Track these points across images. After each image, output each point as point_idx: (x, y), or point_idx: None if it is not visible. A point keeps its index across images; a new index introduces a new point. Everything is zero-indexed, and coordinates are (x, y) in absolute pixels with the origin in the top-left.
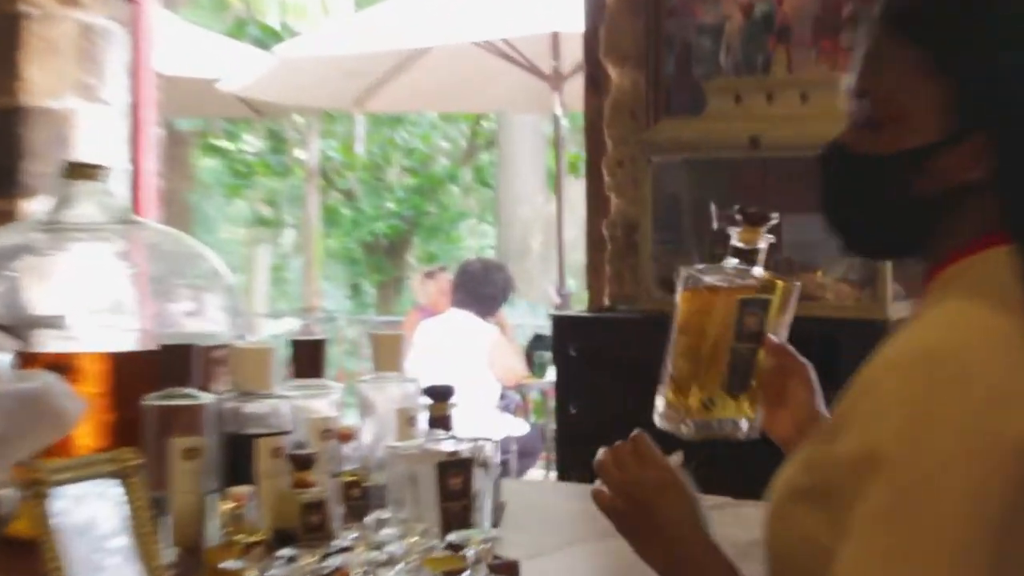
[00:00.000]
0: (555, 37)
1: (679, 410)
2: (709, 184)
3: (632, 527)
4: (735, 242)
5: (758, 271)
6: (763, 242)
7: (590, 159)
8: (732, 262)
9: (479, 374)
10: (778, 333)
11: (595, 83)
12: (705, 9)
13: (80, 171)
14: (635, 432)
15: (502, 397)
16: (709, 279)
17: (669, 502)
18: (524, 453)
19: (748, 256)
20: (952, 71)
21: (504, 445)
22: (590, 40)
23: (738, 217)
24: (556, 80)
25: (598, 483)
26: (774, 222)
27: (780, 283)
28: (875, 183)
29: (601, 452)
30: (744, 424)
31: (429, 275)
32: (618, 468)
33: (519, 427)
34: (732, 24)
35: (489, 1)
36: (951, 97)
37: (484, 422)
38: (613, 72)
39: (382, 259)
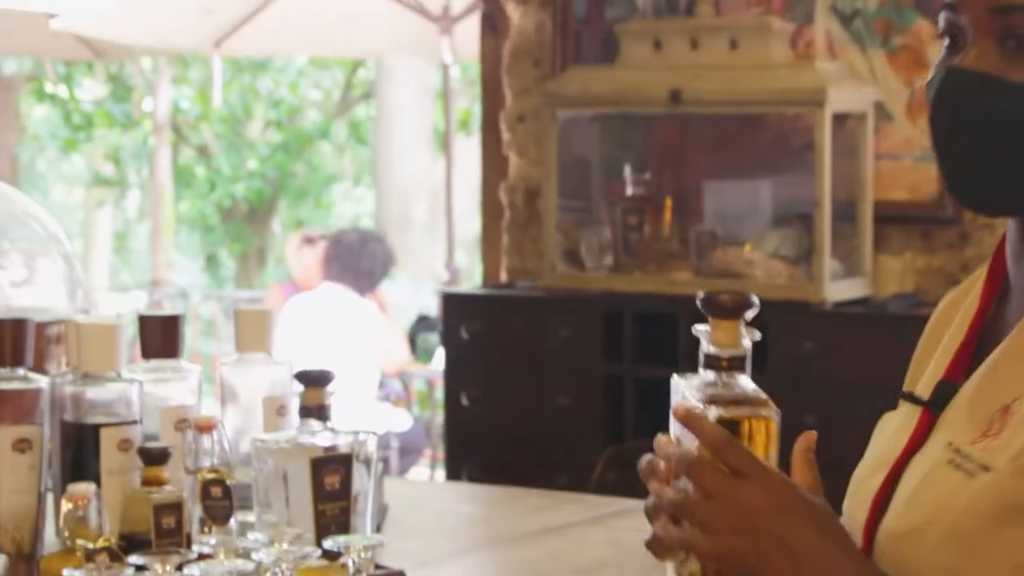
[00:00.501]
0: None
1: None
2: (623, 144)
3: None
4: (709, 348)
5: (747, 383)
6: (748, 341)
7: (486, 113)
8: (708, 376)
9: (355, 359)
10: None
11: (492, 25)
12: None
13: None
14: (712, 427)
15: (381, 386)
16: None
17: (796, 526)
18: (407, 450)
19: (731, 364)
20: None
21: (384, 440)
22: None
23: (706, 309)
24: (445, 22)
25: (659, 525)
26: (755, 310)
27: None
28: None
29: (651, 471)
30: None
31: (309, 240)
32: (704, 496)
33: (401, 420)
34: None
35: None
36: None
37: (361, 414)
38: (514, 12)
39: (242, 226)
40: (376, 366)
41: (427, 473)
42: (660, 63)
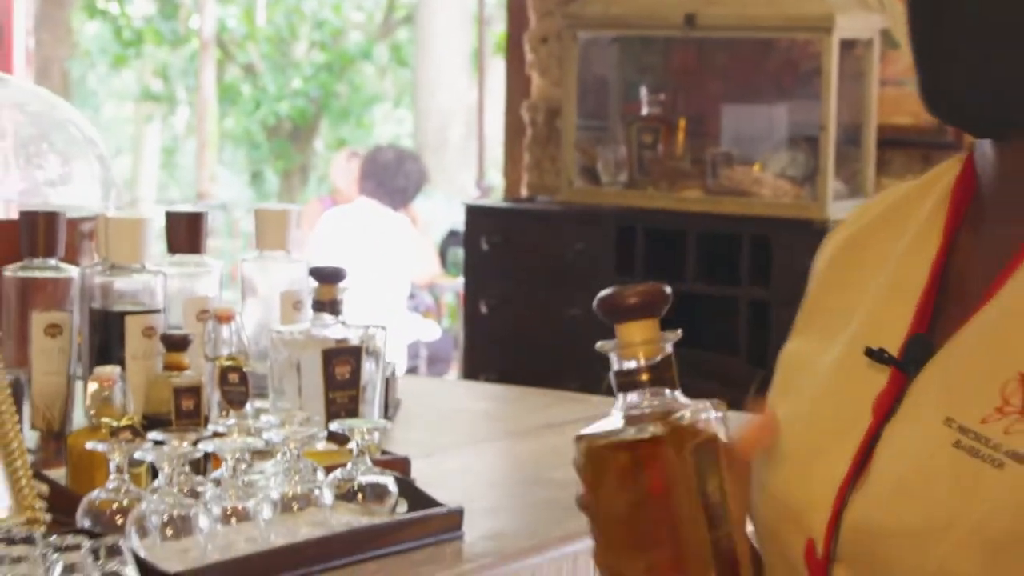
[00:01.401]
0: None
1: None
2: (640, 66)
3: None
4: (621, 364)
5: (680, 396)
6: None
7: (511, 36)
8: (632, 398)
9: (387, 270)
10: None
11: None
12: None
13: None
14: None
15: (412, 297)
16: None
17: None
18: (435, 359)
19: (653, 377)
20: None
21: (413, 350)
22: None
23: (609, 314)
24: None
25: None
26: (668, 304)
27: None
28: None
29: None
30: None
31: (354, 155)
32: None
33: (430, 331)
34: None
35: None
36: None
37: (392, 323)
38: None
39: (286, 144)
40: (407, 278)
41: None
42: None
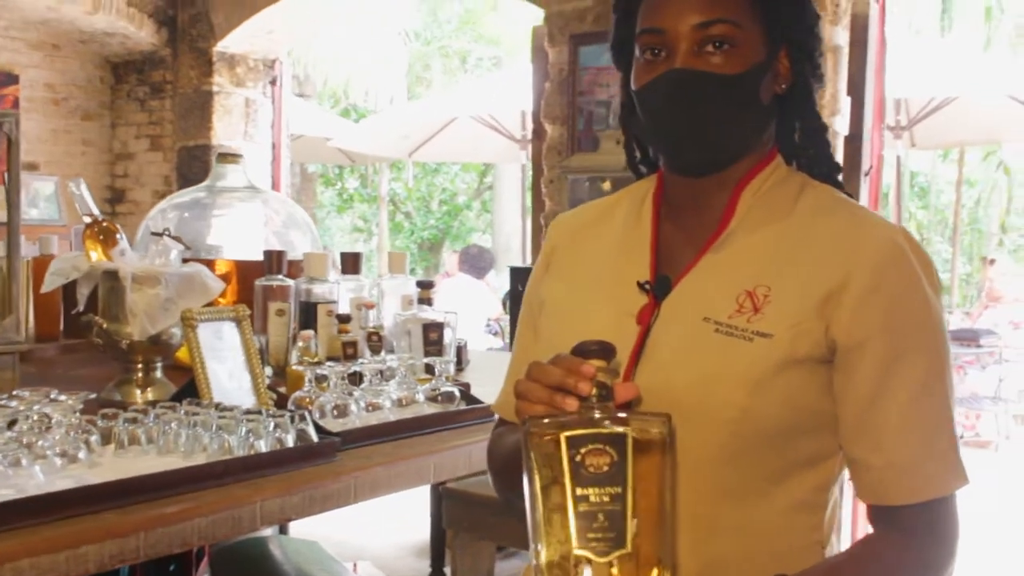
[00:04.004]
0: (523, 114)
1: None
2: (599, 192)
3: None
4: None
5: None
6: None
7: (535, 179)
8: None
9: (474, 310)
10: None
11: (538, 134)
12: (601, 91)
13: (227, 157)
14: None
15: (487, 325)
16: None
17: None
18: None
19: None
20: (763, 6)
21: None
22: (536, 109)
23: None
24: (524, 143)
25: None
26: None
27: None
28: (735, 96)
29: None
30: None
31: (455, 252)
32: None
33: (497, 344)
34: (615, 100)
35: (488, 94)
36: (766, 25)
37: (476, 338)
38: (548, 128)
39: (427, 254)
40: (484, 315)
41: None
42: (619, 151)
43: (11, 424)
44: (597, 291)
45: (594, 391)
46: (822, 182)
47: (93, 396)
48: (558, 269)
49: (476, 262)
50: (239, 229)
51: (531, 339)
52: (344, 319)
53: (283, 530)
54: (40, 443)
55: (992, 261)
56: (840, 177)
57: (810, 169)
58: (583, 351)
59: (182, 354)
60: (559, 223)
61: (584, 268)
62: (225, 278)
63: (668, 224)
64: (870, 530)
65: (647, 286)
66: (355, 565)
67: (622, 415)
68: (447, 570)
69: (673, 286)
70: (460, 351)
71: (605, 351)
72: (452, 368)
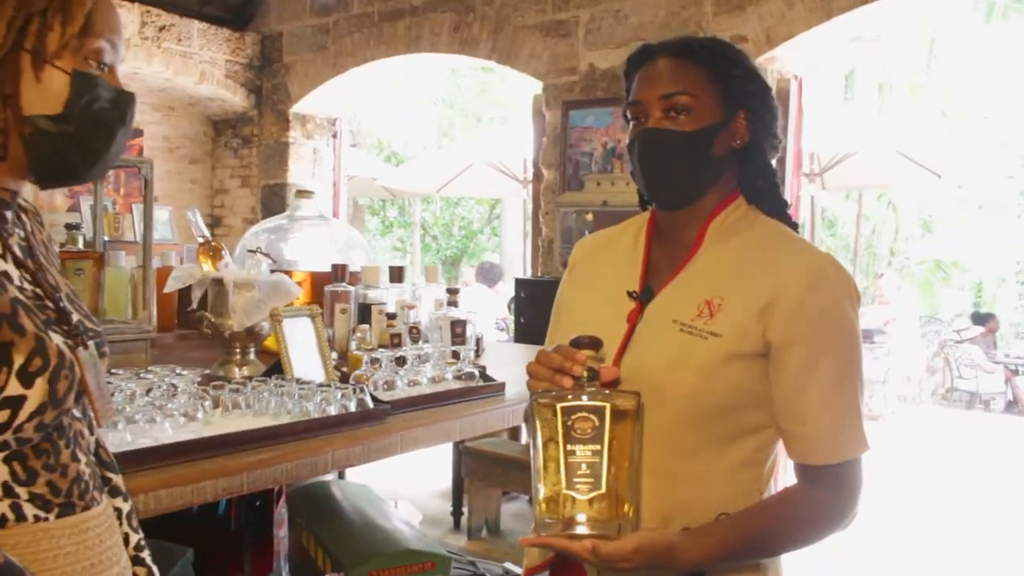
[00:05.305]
0: (525, 161)
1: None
2: (584, 222)
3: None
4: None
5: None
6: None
7: (534, 211)
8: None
9: (485, 311)
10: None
11: (538, 177)
12: (585, 145)
13: (303, 193)
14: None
15: (496, 323)
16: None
17: (656, 549)
18: None
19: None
20: (721, 80)
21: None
22: (536, 158)
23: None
24: (526, 183)
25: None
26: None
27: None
28: (690, 148)
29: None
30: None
31: (472, 267)
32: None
33: (503, 337)
34: (597, 152)
35: (498, 145)
36: (722, 94)
37: (485, 333)
38: (545, 172)
39: (449, 268)
40: (493, 315)
41: None
42: (600, 190)
43: (148, 391)
44: (601, 297)
45: (585, 373)
46: (774, 218)
47: (205, 372)
48: (576, 280)
49: (488, 275)
50: (311, 248)
51: (557, 333)
52: (391, 316)
53: (341, 475)
54: (169, 406)
55: (881, 275)
56: (789, 211)
57: (764, 207)
58: (578, 343)
59: (270, 342)
60: (581, 245)
61: (594, 280)
62: (301, 285)
63: (656, 247)
64: (794, 482)
65: (635, 295)
66: (396, 503)
67: (605, 392)
68: (465, 509)
69: (655, 295)
70: (478, 342)
71: (594, 343)
72: (472, 355)
